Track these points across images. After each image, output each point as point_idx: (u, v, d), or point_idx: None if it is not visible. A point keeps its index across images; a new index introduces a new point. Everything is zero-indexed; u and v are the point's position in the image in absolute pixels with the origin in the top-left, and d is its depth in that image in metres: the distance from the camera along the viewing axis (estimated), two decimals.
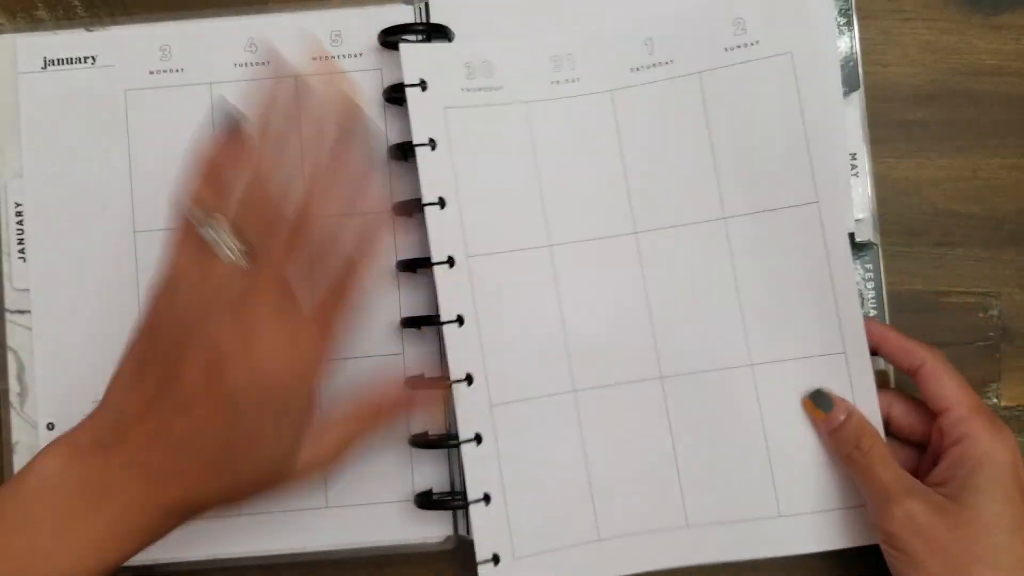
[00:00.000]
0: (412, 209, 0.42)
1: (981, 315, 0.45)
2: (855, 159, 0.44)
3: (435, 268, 0.41)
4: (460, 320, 0.41)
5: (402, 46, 0.42)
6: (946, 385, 0.39)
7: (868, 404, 0.41)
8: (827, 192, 0.42)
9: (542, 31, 0.43)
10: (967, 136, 0.45)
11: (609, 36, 0.43)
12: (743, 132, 0.42)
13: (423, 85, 0.42)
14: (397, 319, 0.43)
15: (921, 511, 0.37)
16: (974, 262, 0.45)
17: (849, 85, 0.44)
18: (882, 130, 0.45)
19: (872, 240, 0.44)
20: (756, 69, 0.42)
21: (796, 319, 0.42)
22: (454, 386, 0.41)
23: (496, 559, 0.41)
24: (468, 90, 0.42)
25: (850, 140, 0.44)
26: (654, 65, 0.43)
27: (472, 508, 0.41)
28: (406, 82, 0.42)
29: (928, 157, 0.45)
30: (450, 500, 0.42)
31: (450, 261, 0.41)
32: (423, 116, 0.42)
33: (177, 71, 0.44)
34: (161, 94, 0.44)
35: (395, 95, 0.43)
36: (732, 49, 0.42)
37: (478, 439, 0.41)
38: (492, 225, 0.42)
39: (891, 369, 0.44)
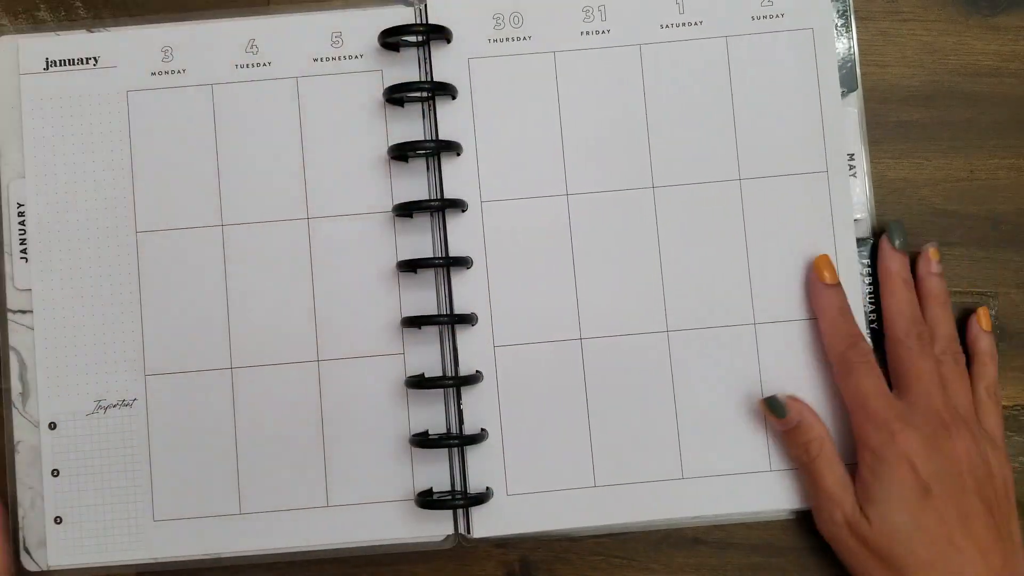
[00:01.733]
0: (412, 210, 0.42)
1: None
2: (853, 159, 0.44)
3: (447, 211, 0.43)
4: (469, 262, 0.43)
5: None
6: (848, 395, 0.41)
7: None
8: (836, 163, 0.43)
9: (537, 29, 0.44)
10: (965, 136, 0.45)
11: None
12: (763, 98, 0.44)
13: (449, 36, 0.43)
14: (397, 319, 0.43)
15: (854, 515, 0.40)
16: (972, 262, 0.45)
17: (847, 86, 0.44)
18: (880, 130, 0.45)
19: (870, 238, 0.44)
20: (780, 40, 0.44)
21: (801, 283, 0.43)
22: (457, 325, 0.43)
23: (489, 493, 0.42)
24: (495, 40, 0.44)
25: (848, 140, 0.44)
26: (684, 24, 0.44)
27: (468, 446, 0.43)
28: (431, 33, 0.43)
29: (926, 157, 0.45)
30: (451, 499, 0.42)
31: (462, 205, 0.43)
32: (446, 67, 0.43)
33: (179, 72, 0.44)
34: (163, 95, 0.44)
35: (395, 96, 0.43)
36: (759, 19, 0.44)
37: (479, 376, 0.42)
38: (509, 172, 0.43)
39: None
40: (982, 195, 0.45)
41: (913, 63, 0.46)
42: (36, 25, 0.45)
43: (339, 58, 0.44)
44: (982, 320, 0.44)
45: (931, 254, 0.43)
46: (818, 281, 0.42)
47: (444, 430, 0.43)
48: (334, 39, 0.44)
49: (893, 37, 0.46)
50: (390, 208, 0.43)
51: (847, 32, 0.44)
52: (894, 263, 0.43)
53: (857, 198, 0.44)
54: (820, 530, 0.41)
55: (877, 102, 0.45)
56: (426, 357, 0.43)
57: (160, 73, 0.44)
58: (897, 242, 0.43)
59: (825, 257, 0.43)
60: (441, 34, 0.43)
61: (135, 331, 0.43)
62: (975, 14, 0.46)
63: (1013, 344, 0.45)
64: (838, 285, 0.42)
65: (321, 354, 0.43)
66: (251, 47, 0.44)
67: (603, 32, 0.44)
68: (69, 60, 0.44)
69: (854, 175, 0.44)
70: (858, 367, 0.41)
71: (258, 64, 0.44)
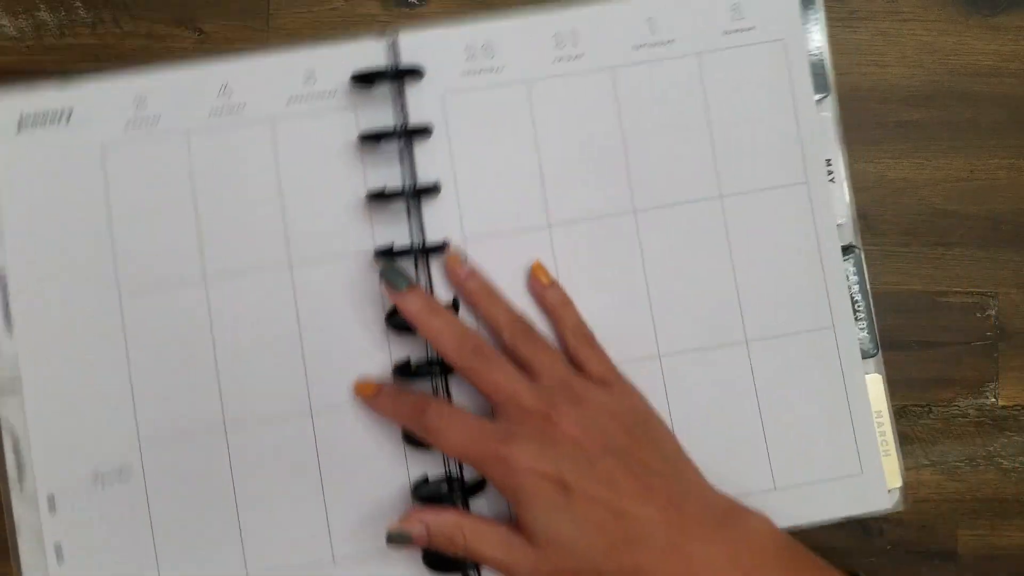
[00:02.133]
0: (394, 255, 0.42)
1: (979, 315, 0.45)
2: (830, 164, 0.44)
3: (431, 254, 0.42)
4: (455, 305, 0.42)
5: (402, 34, 0.43)
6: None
7: (855, 377, 0.43)
8: (816, 174, 0.43)
9: (510, 59, 0.43)
10: (965, 136, 0.46)
11: (613, 12, 0.44)
12: (739, 113, 0.43)
13: (421, 73, 0.43)
14: (388, 366, 0.42)
15: (532, 561, 0.37)
16: (972, 262, 0.45)
17: (820, 90, 0.44)
18: (880, 130, 0.45)
19: (854, 244, 0.44)
20: (752, 53, 0.44)
21: (788, 295, 0.43)
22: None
23: None
24: (468, 73, 0.43)
25: (825, 144, 0.44)
26: (656, 44, 0.44)
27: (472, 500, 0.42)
28: (403, 70, 0.42)
29: (926, 157, 0.45)
30: (465, 566, 0.41)
31: (445, 245, 0.42)
32: (422, 105, 0.43)
33: (153, 122, 0.42)
34: (138, 146, 0.42)
35: (370, 138, 0.42)
36: (730, 33, 0.44)
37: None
38: (490, 206, 0.43)
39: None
40: (982, 195, 0.45)
41: (913, 63, 0.46)
42: (5, 86, 0.43)
43: (313, 96, 0.43)
44: (538, 276, 0.42)
45: (452, 262, 0.41)
46: (364, 398, 0.41)
47: (443, 474, 0.42)
48: (307, 77, 0.43)
49: (893, 37, 0.46)
50: (371, 250, 0.42)
51: (817, 36, 0.44)
52: (409, 304, 0.40)
53: (838, 203, 0.44)
54: None
55: (877, 102, 0.45)
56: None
57: (135, 123, 0.42)
58: (398, 286, 0.40)
59: (359, 385, 0.41)
60: (414, 72, 0.42)
61: (126, 396, 0.41)
62: (975, 14, 0.46)
63: (1013, 344, 0.45)
64: (376, 389, 0.41)
65: (314, 404, 0.42)
66: (225, 91, 0.43)
67: (576, 57, 0.43)
68: (43, 114, 0.42)
69: (832, 180, 0.44)
70: (440, 427, 0.38)
71: (232, 108, 0.43)
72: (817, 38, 0.44)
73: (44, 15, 0.46)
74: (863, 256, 0.44)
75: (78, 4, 0.46)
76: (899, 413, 0.45)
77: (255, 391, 0.42)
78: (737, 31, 0.44)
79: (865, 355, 0.43)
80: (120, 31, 0.45)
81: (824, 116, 0.44)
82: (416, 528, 0.39)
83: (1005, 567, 0.45)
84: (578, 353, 0.41)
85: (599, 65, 0.43)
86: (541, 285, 0.42)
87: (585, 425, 0.37)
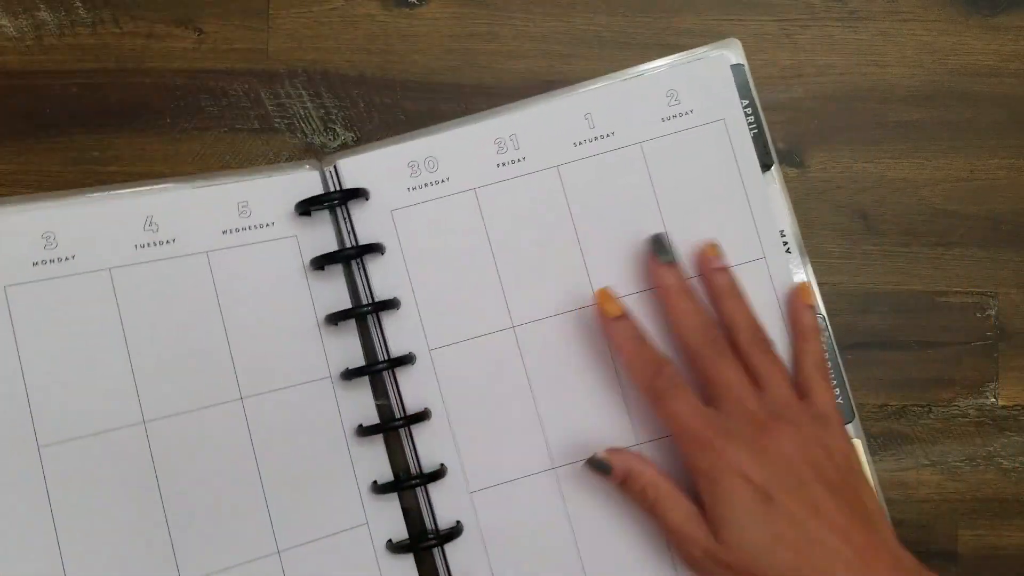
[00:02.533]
0: (361, 374, 0.41)
1: (979, 315, 0.45)
2: (784, 235, 0.43)
3: (396, 369, 0.41)
4: (427, 414, 0.41)
5: (341, 161, 0.42)
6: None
7: None
8: (772, 247, 0.43)
9: (453, 170, 0.43)
10: (965, 136, 0.46)
11: (550, 113, 0.43)
12: (688, 196, 0.43)
13: (366, 195, 0.42)
14: (357, 487, 0.41)
15: (710, 545, 0.38)
16: (972, 262, 0.45)
17: (764, 161, 0.43)
18: (880, 130, 0.45)
19: (818, 312, 0.43)
20: (693, 136, 0.43)
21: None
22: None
23: None
24: (414, 188, 0.42)
25: (777, 217, 0.43)
26: (596, 138, 0.43)
27: None
28: (347, 194, 0.41)
29: (926, 157, 0.46)
30: None
31: (411, 358, 0.41)
32: (370, 225, 0.42)
33: (66, 259, 0.39)
34: (48, 286, 0.38)
35: (318, 263, 0.41)
36: (668, 119, 0.43)
37: (459, 526, 0.41)
38: (452, 315, 0.42)
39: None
40: (982, 195, 0.45)
41: (913, 63, 0.46)
42: None
43: (249, 228, 0.41)
44: (803, 294, 0.42)
45: (708, 250, 0.42)
46: (605, 317, 0.41)
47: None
48: (241, 209, 0.41)
49: (893, 37, 0.46)
50: (327, 374, 0.41)
51: (754, 111, 0.44)
52: (666, 278, 0.41)
53: (797, 274, 0.43)
54: (685, 565, 0.39)
55: (877, 102, 0.45)
56: (395, 523, 0.41)
57: (43, 263, 0.39)
58: (663, 257, 0.41)
59: (604, 292, 0.41)
60: (359, 194, 0.42)
61: (55, 566, 0.37)
62: (975, 14, 0.46)
63: (1013, 344, 0.45)
64: (625, 316, 0.41)
65: (281, 544, 0.40)
66: (150, 224, 0.40)
67: (518, 160, 0.43)
68: None
69: (788, 251, 0.43)
70: (667, 392, 0.39)
71: (161, 242, 0.40)
72: (755, 115, 0.44)
73: (44, 15, 0.46)
74: (829, 324, 0.43)
75: (78, 4, 0.46)
76: (899, 413, 0.45)
77: (215, 537, 0.39)
78: (675, 116, 0.43)
79: (843, 421, 0.42)
80: (120, 31, 0.45)
81: (773, 188, 0.44)
82: (618, 465, 0.40)
83: (1005, 567, 0.45)
84: (810, 382, 0.41)
85: (542, 165, 0.43)
86: (800, 304, 0.42)
87: (800, 448, 0.38)
